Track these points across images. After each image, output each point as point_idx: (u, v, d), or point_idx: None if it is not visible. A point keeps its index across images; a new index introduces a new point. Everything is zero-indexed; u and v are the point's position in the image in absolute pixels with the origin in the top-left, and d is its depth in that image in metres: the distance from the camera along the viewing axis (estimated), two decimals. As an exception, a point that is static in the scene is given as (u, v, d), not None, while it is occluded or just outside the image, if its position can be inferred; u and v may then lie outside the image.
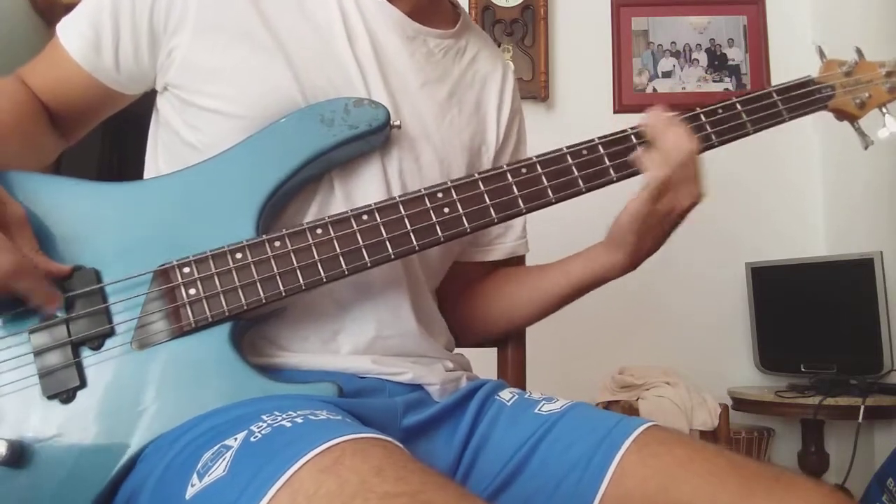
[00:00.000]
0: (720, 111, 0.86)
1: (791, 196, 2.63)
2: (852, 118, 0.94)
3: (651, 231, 0.84)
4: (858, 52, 0.94)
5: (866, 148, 0.93)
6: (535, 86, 2.64)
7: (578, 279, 0.91)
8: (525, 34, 2.69)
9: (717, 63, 2.70)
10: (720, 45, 2.71)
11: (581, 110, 2.64)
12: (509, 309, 0.98)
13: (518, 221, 1.00)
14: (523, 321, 1.00)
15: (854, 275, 2.20)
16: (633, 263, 0.87)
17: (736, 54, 2.70)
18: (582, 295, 0.92)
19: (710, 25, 2.73)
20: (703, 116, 0.85)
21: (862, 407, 1.99)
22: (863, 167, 2.37)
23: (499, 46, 2.67)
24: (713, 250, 2.54)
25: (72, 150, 0.91)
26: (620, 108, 2.66)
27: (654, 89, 2.69)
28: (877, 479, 1.85)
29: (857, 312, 2.19)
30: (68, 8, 0.83)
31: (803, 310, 2.34)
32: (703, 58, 2.71)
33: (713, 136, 0.85)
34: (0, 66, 0.85)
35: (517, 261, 1.03)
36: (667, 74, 2.71)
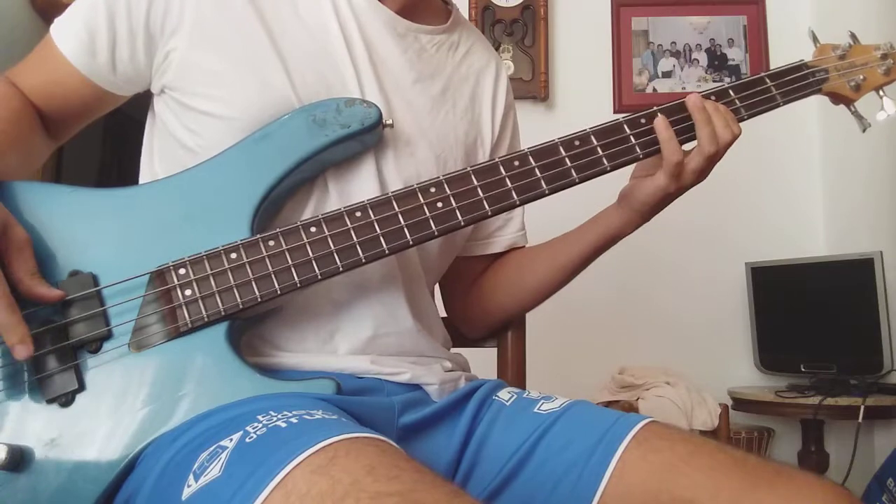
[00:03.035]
0: (712, 98, 0.86)
1: (791, 196, 2.62)
2: (848, 101, 0.93)
3: (668, 200, 0.87)
4: (852, 35, 0.93)
5: (864, 131, 0.93)
6: (535, 86, 2.63)
7: (595, 243, 0.92)
8: (525, 34, 2.69)
9: (717, 63, 2.70)
10: (720, 45, 2.71)
11: (581, 110, 2.63)
12: (524, 290, 0.98)
13: (517, 214, 1.00)
14: (539, 299, 1.00)
15: (854, 275, 2.20)
16: (645, 221, 0.90)
17: (736, 54, 2.70)
18: (598, 256, 0.95)
19: (710, 25, 2.72)
20: None
21: (862, 407, 1.99)
22: (863, 167, 2.36)
23: (499, 46, 2.67)
24: (713, 250, 2.54)
25: (73, 154, 0.91)
26: (620, 108, 2.65)
27: (654, 89, 2.69)
28: (877, 479, 1.85)
29: (857, 312, 2.19)
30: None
31: (803, 310, 2.33)
32: (703, 58, 2.71)
33: None
34: (0, 66, 0.84)
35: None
36: (667, 74, 2.70)
